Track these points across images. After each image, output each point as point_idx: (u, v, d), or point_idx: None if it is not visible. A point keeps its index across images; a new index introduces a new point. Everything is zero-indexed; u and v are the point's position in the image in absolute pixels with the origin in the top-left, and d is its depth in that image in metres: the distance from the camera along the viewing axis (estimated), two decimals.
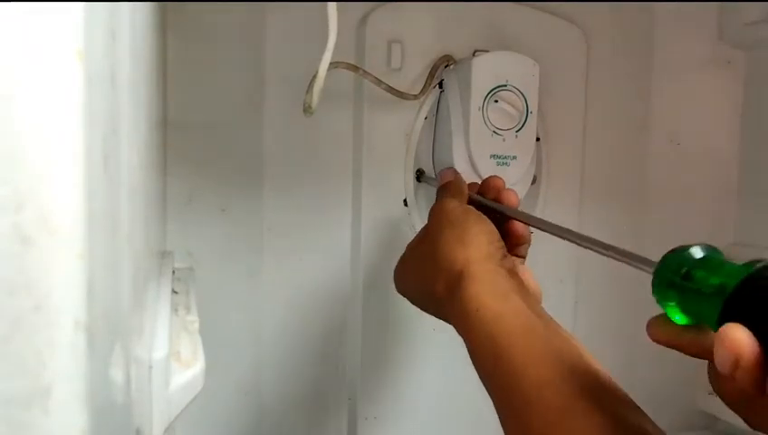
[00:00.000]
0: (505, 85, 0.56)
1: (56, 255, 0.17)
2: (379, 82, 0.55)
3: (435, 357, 0.64)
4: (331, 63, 0.43)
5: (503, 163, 0.56)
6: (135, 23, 0.26)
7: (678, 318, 0.30)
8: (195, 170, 0.55)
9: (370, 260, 0.60)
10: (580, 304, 0.69)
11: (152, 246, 0.40)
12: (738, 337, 0.25)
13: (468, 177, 0.57)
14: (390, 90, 0.55)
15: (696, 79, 0.73)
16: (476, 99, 0.55)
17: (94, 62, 0.18)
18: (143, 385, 0.28)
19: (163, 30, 0.50)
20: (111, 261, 0.21)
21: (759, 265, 0.27)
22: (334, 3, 0.39)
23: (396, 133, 0.59)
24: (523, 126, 0.57)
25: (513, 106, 0.56)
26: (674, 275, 0.29)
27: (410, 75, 0.58)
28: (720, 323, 0.26)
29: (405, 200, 0.60)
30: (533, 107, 0.57)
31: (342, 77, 0.59)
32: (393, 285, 0.60)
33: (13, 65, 0.16)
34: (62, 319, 0.17)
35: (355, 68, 0.54)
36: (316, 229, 0.60)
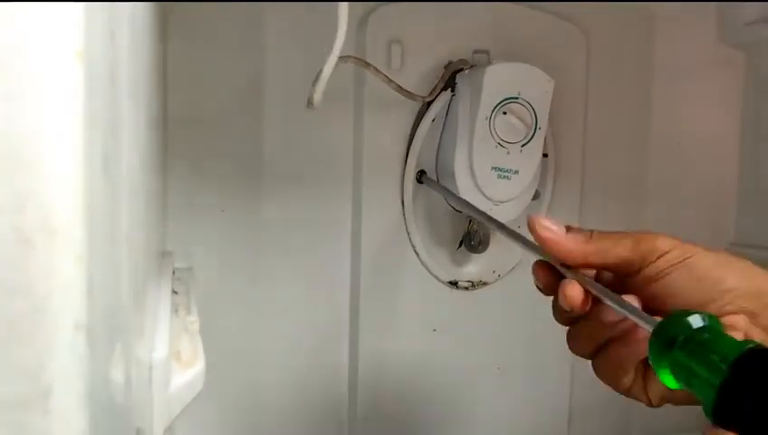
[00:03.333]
0: (517, 98, 0.55)
1: (56, 256, 0.17)
2: (389, 80, 0.54)
3: (435, 357, 0.64)
4: (340, 58, 0.43)
5: (503, 176, 0.56)
6: (135, 23, 0.26)
7: (670, 382, 0.29)
8: (195, 170, 0.55)
9: (370, 260, 0.60)
10: None
11: (152, 246, 0.40)
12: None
13: (466, 185, 0.56)
14: (400, 90, 0.55)
15: (696, 79, 0.73)
16: (485, 108, 0.55)
17: (94, 62, 0.18)
18: (143, 385, 0.28)
19: (163, 30, 0.50)
20: (112, 262, 0.21)
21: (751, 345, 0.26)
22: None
23: (396, 134, 0.59)
24: (529, 141, 0.56)
25: (521, 120, 0.55)
26: (670, 344, 0.29)
27: (410, 76, 0.58)
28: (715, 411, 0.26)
29: (403, 201, 0.60)
30: (543, 123, 0.56)
31: (343, 77, 0.59)
32: (393, 286, 0.60)
33: (12, 65, 0.16)
34: (61, 320, 0.17)
35: (365, 64, 0.54)
36: (316, 229, 0.60)
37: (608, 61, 0.67)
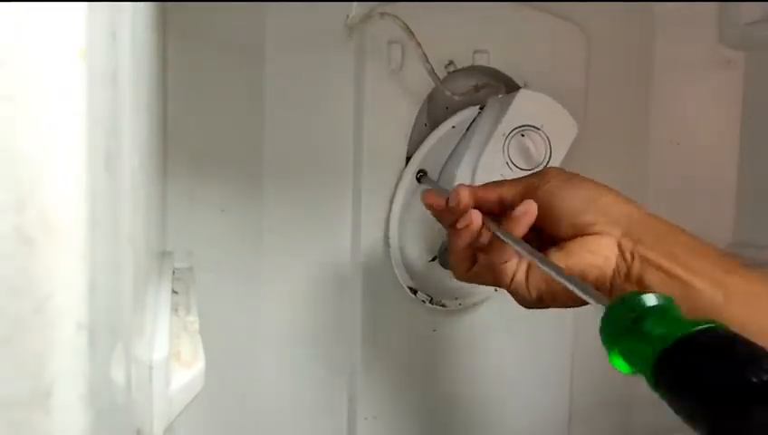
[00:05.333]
0: (539, 129, 0.55)
1: (58, 255, 0.17)
2: (437, 79, 0.54)
3: (435, 357, 0.64)
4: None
5: None
6: (135, 23, 0.26)
7: (621, 365, 0.30)
8: (195, 170, 0.55)
9: (370, 260, 0.60)
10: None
11: (152, 246, 0.40)
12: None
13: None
14: (433, 74, 0.55)
15: (696, 79, 0.73)
16: (506, 125, 0.54)
17: (96, 61, 0.18)
18: (144, 385, 0.28)
19: (163, 30, 0.50)
20: (113, 262, 0.21)
21: (707, 325, 0.26)
22: None
23: (396, 134, 0.59)
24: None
25: (536, 148, 0.55)
26: (625, 320, 0.29)
27: (410, 76, 0.58)
28: (654, 374, 0.26)
29: (393, 198, 0.60)
30: (556, 161, 0.56)
31: (344, 77, 0.59)
32: (393, 286, 0.60)
33: (15, 65, 0.16)
34: (63, 320, 0.17)
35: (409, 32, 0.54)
36: (316, 229, 0.60)
37: (608, 61, 0.67)
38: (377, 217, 0.60)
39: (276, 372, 0.60)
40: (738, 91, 0.74)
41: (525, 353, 0.68)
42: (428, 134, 0.61)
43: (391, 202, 0.59)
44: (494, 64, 0.61)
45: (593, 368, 0.72)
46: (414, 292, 0.61)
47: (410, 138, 0.60)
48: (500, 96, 0.58)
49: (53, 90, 0.16)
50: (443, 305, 0.62)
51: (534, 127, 0.55)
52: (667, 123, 0.72)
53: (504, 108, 0.55)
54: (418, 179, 0.60)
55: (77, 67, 0.16)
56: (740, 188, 0.75)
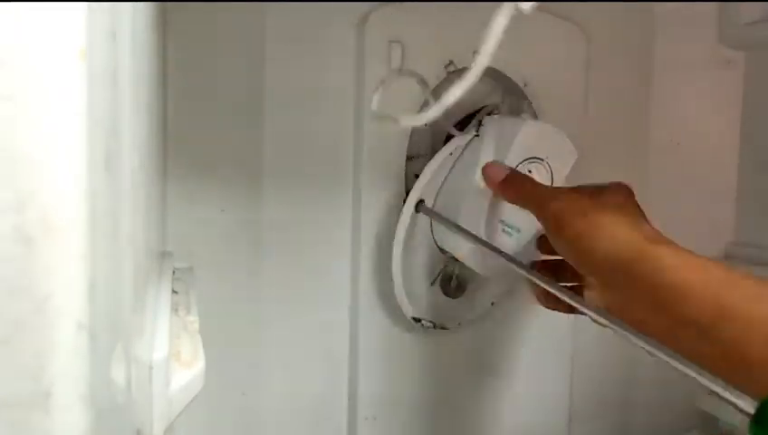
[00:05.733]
0: (542, 160, 0.54)
1: (58, 255, 0.17)
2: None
3: (435, 357, 0.64)
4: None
5: (506, 231, 0.54)
6: (135, 23, 0.26)
7: None
8: (195, 171, 0.55)
9: (371, 260, 0.60)
10: None
11: (152, 246, 0.40)
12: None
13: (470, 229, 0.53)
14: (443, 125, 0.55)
15: (696, 79, 0.73)
16: (513, 158, 0.53)
17: (96, 61, 0.18)
18: (144, 385, 0.28)
19: (163, 30, 0.50)
20: (113, 261, 0.21)
21: None
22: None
23: (396, 135, 0.59)
24: None
25: (541, 179, 0.53)
26: None
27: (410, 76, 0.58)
28: None
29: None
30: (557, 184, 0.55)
31: (344, 77, 0.59)
32: (393, 286, 0.60)
33: (15, 65, 0.16)
34: (63, 320, 0.17)
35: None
36: (316, 229, 0.60)
37: (608, 61, 0.67)
38: (377, 217, 0.60)
39: (276, 372, 0.60)
40: (738, 91, 0.74)
41: (525, 354, 0.68)
42: (429, 138, 0.61)
43: (392, 240, 0.58)
44: (493, 64, 0.61)
45: (593, 368, 0.72)
46: (418, 320, 0.61)
47: (410, 138, 0.60)
48: (496, 117, 0.57)
49: (53, 90, 0.16)
50: (444, 328, 0.62)
51: (539, 158, 0.54)
52: (667, 123, 0.72)
53: (507, 140, 0.53)
54: (416, 209, 0.58)
55: (77, 67, 0.16)
56: (740, 188, 0.75)
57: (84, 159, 0.17)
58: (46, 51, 0.16)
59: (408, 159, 0.60)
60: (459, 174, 0.57)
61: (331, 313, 0.61)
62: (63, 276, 0.17)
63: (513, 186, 0.49)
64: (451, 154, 0.58)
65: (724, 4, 0.71)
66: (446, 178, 0.58)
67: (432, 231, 0.59)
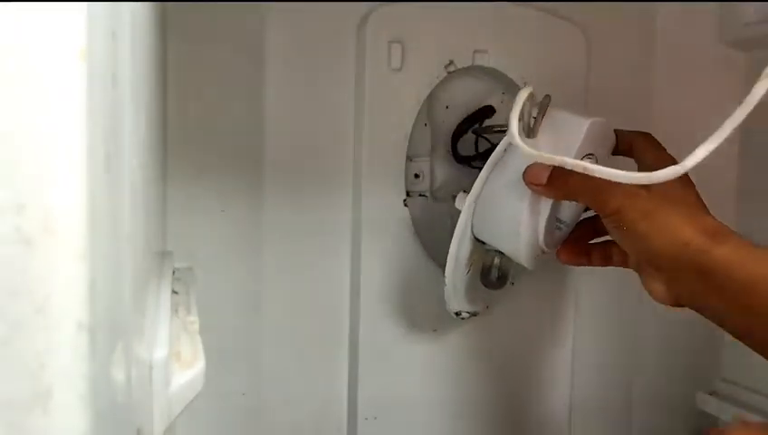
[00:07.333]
0: (593, 155, 0.51)
1: (58, 256, 0.17)
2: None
3: (435, 357, 0.64)
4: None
5: (558, 227, 0.53)
6: (135, 23, 0.26)
7: None
8: (195, 171, 0.55)
9: (370, 260, 0.60)
10: (582, 303, 0.69)
11: (152, 246, 0.40)
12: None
13: (529, 232, 0.50)
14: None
15: (697, 79, 0.73)
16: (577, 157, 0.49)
17: (96, 61, 0.18)
18: (144, 385, 0.28)
19: (163, 30, 0.50)
20: (113, 262, 0.21)
21: None
22: None
23: (396, 134, 0.59)
24: None
25: None
26: None
27: (410, 76, 0.58)
28: None
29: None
30: None
31: (344, 77, 0.59)
32: (393, 286, 0.60)
33: (14, 65, 0.16)
34: (63, 320, 0.17)
35: None
36: (316, 229, 0.60)
37: (608, 61, 0.67)
38: (377, 217, 0.60)
39: (276, 372, 0.60)
40: (738, 91, 0.74)
41: (525, 354, 0.68)
42: (429, 135, 0.61)
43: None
44: (493, 64, 0.61)
45: (593, 368, 0.72)
46: (458, 314, 0.59)
47: (410, 138, 0.60)
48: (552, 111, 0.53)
49: (53, 90, 0.16)
50: (475, 315, 0.61)
51: (591, 154, 0.51)
52: (666, 123, 0.72)
53: (572, 138, 0.50)
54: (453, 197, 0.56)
55: (77, 67, 0.16)
56: (740, 189, 0.74)
57: (84, 159, 0.17)
58: (46, 51, 0.16)
59: (408, 159, 0.60)
60: (503, 179, 0.52)
61: (331, 313, 0.61)
62: (63, 276, 0.17)
63: (558, 185, 0.46)
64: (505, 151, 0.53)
65: (724, 4, 0.71)
66: (487, 176, 0.53)
67: (472, 224, 0.55)
